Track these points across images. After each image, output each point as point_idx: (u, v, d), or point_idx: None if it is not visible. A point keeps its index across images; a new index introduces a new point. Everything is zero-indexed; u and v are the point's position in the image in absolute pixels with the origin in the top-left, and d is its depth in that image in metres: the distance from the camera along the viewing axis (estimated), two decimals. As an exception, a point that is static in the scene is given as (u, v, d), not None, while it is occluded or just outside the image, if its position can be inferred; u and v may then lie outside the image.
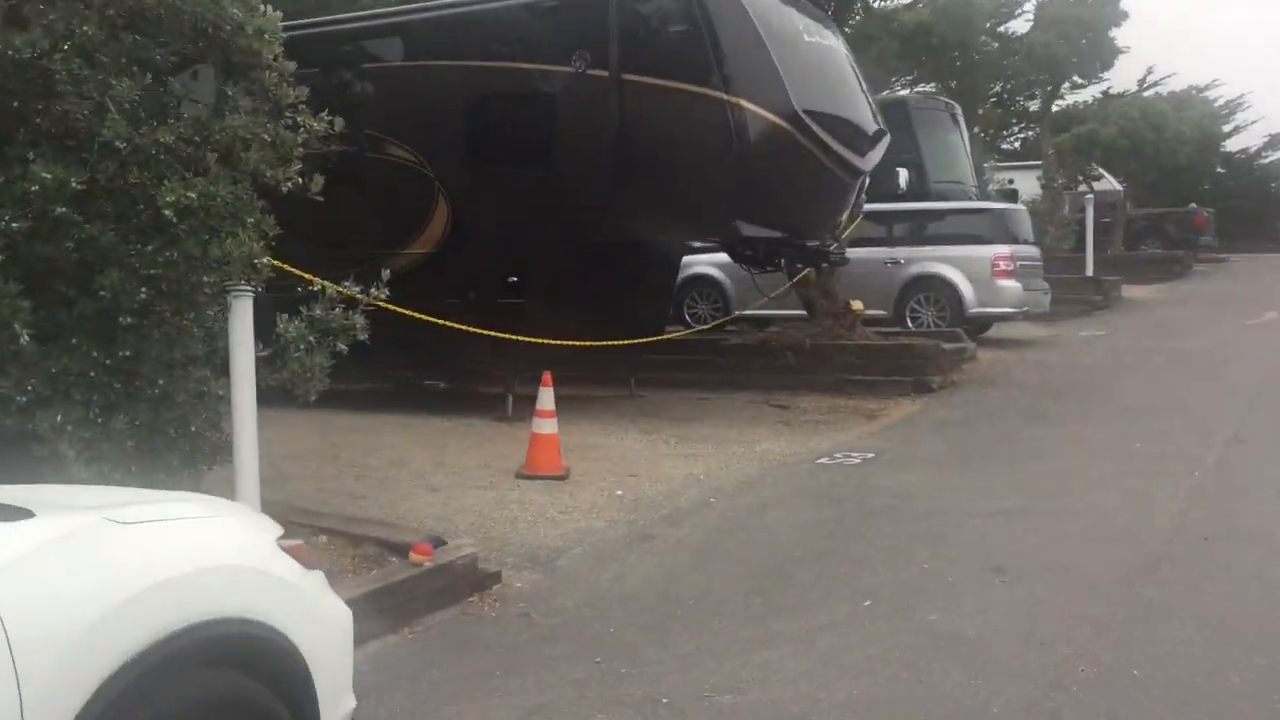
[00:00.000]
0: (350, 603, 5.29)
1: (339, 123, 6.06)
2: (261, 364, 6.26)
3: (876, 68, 30.10)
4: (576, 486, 8.02)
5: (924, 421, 10.85)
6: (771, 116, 9.59)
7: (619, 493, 7.85)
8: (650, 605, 5.63)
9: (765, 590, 5.74)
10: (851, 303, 13.72)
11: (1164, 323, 18.34)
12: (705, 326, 15.12)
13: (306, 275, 6.75)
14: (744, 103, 9.48)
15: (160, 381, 5.71)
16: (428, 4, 11.50)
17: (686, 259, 15.16)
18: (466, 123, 10.79)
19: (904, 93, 20.49)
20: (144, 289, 5.54)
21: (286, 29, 11.62)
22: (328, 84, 11.61)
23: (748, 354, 13.59)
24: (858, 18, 21.98)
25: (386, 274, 6.48)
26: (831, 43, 10.76)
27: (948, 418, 10.94)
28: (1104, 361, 14.40)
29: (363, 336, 6.45)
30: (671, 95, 9.77)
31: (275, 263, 6.28)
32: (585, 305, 11.18)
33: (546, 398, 8.37)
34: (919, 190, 18.03)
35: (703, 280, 16.53)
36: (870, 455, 9.02)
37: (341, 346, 6.35)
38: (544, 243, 10.46)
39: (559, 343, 9.98)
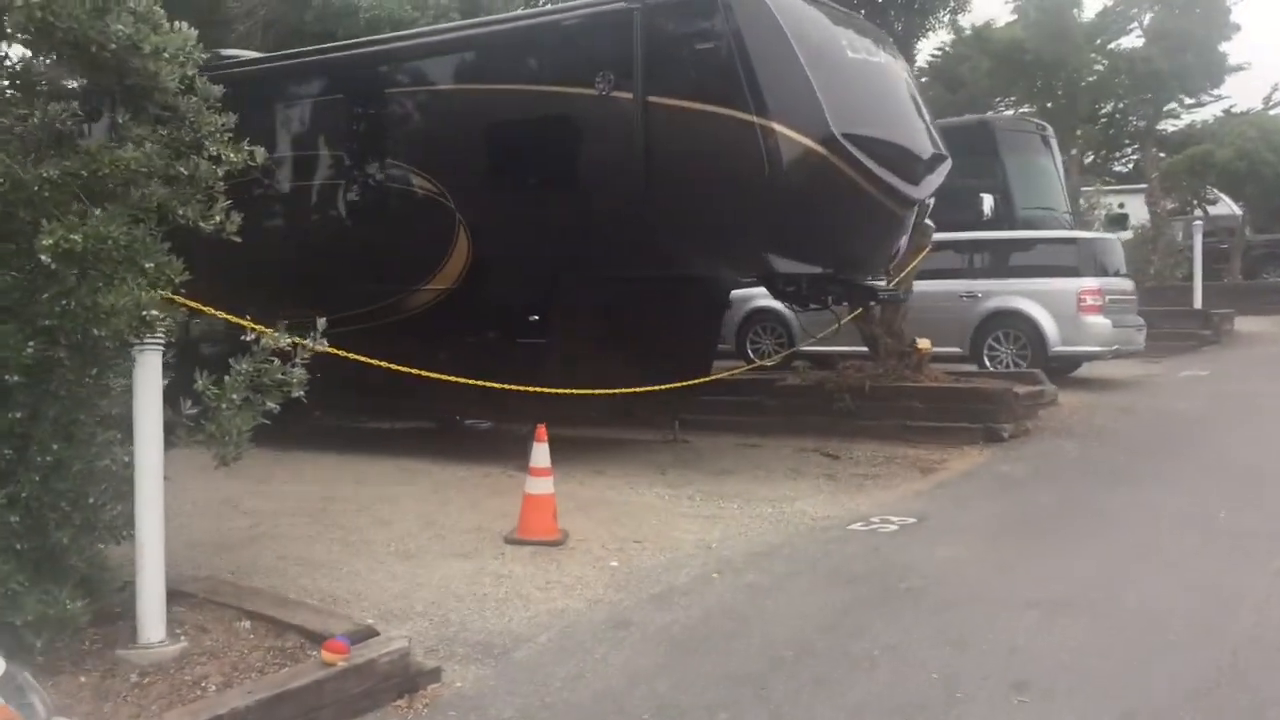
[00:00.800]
0: (240, 713, 4.64)
1: (260, 154, 5.35)
2: (183, 425, 5.61)
3: (971, 89, 28.96)
4: (568, 555, 7.19)
5: (984, 478, 9.76)
6: (806, 141, 8.68)
7: (613, 564, 6.99)
8: (599, 718, 4.77)
9: (736, 704, 4.83)
10: (918, 341, 12.65)
11: (1278, 360, 16.79)
12: (759, 364, 14.14)
13: (239, 320, 6.04)
14: (776, 126, 8.59)
15: (55, 447, 5.07)
16: (445, 26, 10.90)
17: (748, 292, 14.29)
18: (487, 150, 10.14)
19: (990, 115, 19.22)
20: (32, 342, 4.92)
21: (298, 54, 11.10)
22: (343, 112, 11.18)
23: (802, 396, 12.63)
24: (946, 35, 20.88)
25: (323, 323, 5.74)
26: (881, 59, 9.79)
27: (1011, 474, 9.83)
28: (1202, 409, 13.05)
29: (298, 393, 5.76)
30: (698, 118, 8.93)
31: (195, 306, 5.64)
32: (617, 344, 10.40)
33: (540, 454, 7.56)
34: (1005, 217, 16.89)
35: (765, 314, 15.59)
36: (911, 521, 8.01)
37: (271, 405, 5.67)
38: (566, 277, 9.71)
39: (574, 392, 9.21)
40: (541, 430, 7.59)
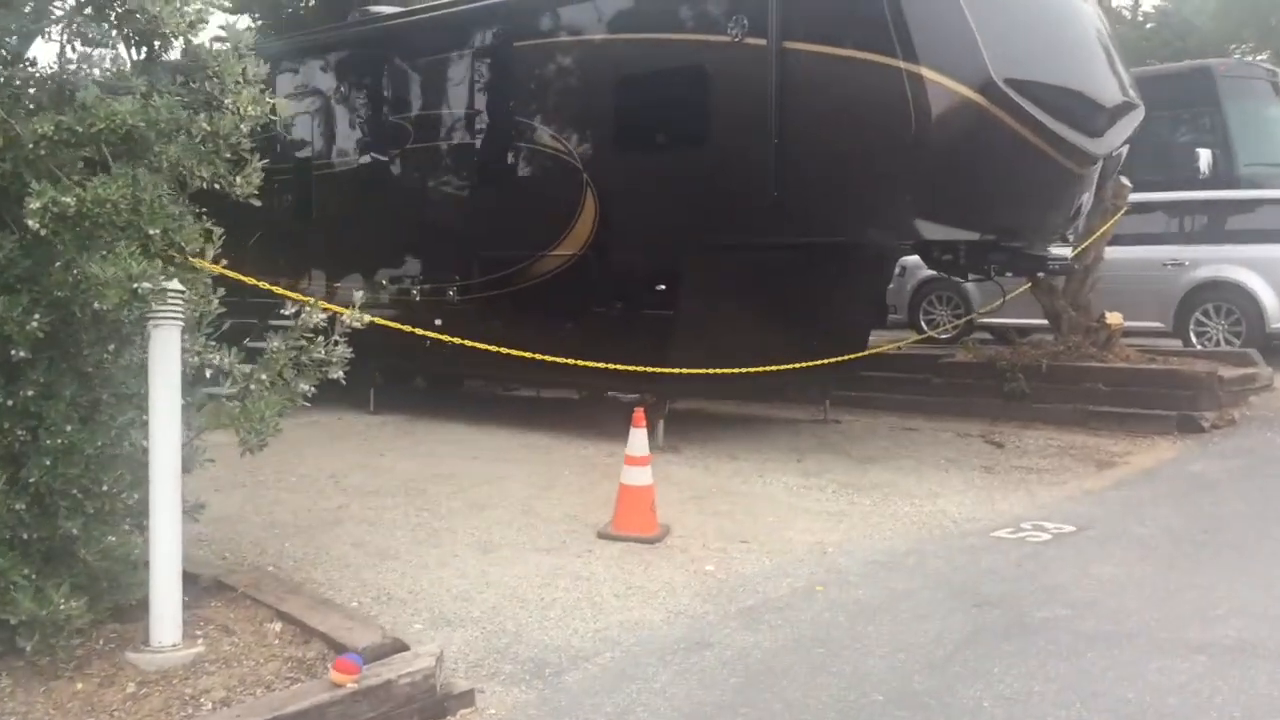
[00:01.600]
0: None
1: (284, 107, 4.77)
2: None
3: (1200, 36, 26.32)
4: (661, 554, 6.44)
5: (1170, 477, 8.46)
6: (960, 88, 7.60)
7: (709, 568, 6.20)
8: (631, 769, 4.04)
9: (796, 763, 4.00)
10: (1108, 315, 11.26)
11: None
12: (922, 337, 12.96)
13: (284, 292, 5.52)
14: (925, 71, 7.54)
15: (67, 429, 4.65)
16: None
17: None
18: (614, 105, 9.42)
19: (1212, 60, 17.15)
20: (37, 314, 4.50)
21: (418, 10, 10.47)
22: (465, 67, 10.66)
23: (971, 374, 11.47)
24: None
25: (360, 296, 5.16)
26: (1059, -5, 8.53)
27: (1204, 473, 8.50)
28: None
29: (337, 374, 5.21)
30: (836, 65, 7.97)
31: (224, 271, 5.14)
32: (757, 317, 9.54)
33: (637, 440, 6.81)
34: (1225, 175, 15.04)
35: (940, 282, 14.30)
36: (1069, 529, 6.89)
37: (306, 387, 5.13)
38: (695, 244, 8.90)
39: (696, 371, 8.45)
40: (640, 415, 6.84)
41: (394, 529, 6.87)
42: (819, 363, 9.39)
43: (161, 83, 4.66)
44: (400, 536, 6.70)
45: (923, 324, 14.44)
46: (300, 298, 5.30)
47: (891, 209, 7.92)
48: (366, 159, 11.70)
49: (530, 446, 9.69)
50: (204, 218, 4.86)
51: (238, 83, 4.63)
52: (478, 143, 10.55)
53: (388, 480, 8.17)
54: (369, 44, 12.03)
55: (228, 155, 4.74)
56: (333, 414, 11.75)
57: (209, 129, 4.68)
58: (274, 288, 5.65)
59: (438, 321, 10.79)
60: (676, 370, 8.62)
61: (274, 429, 4.98)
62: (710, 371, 8.77)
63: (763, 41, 8.27)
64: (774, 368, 9.14)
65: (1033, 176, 8.14)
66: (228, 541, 6.42)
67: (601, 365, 8.50)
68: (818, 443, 9.97)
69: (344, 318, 5.12)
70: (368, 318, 5.17)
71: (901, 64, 7.58)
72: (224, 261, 5.10)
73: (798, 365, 9.21)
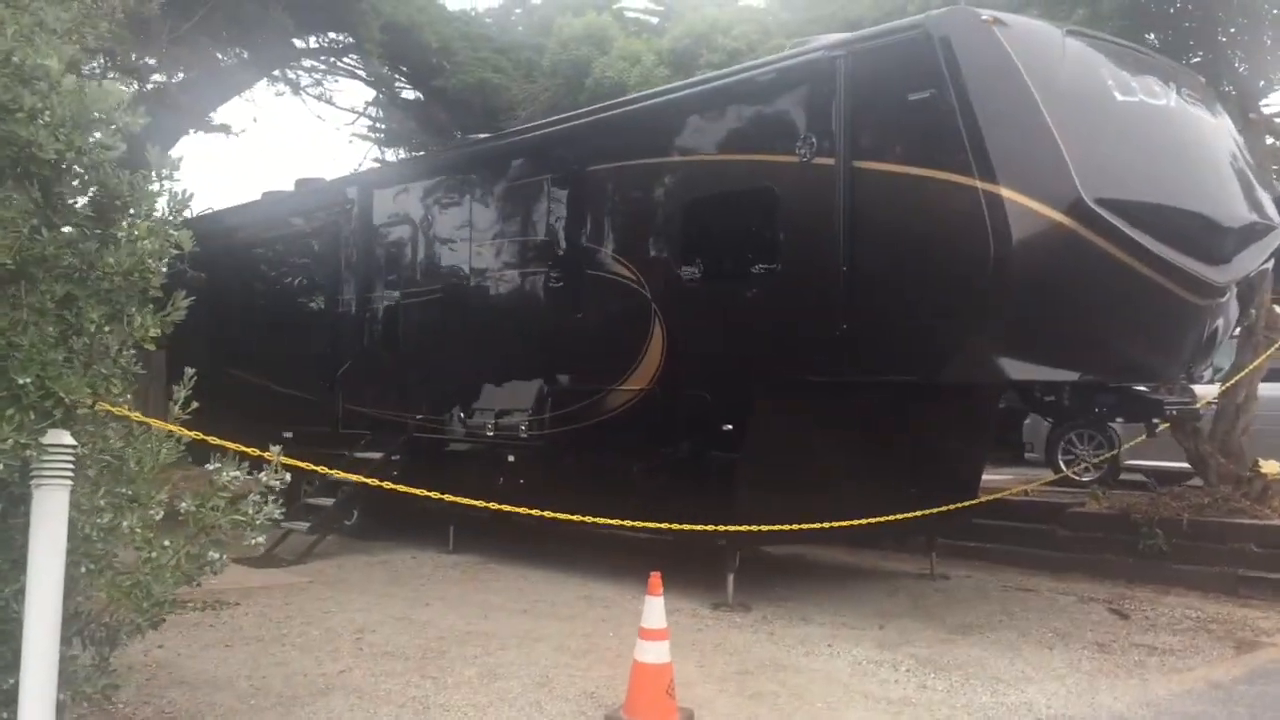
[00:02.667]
0: None
1: (187, 239, 4.25)
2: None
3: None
4: (670, 752, 5.50)
5: (1324, 667, 7.03)
6: (1045, 209, 6.64)
7: (718, 774, 5.24)
8: None
9: None
10: (1262, 463, 9.82)
11: None
12: (1026, 487, 11.61)
13: (212, 439, 4.95)
14: (1004, 191, 6.61)
15: (-55, 599, 4.14)
16: (643, 93, 9.71)
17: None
18: (682, 228, 8.76)
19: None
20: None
21: (488, 139, 10.01)
22: (529, 193, 10.27)
23: (1102, 526, 10.15)
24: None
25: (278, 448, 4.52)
26: (1170, 103, 7.48)
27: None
28: None
29: (258, 539, 4.58)
30: (909, 185, 7.13)
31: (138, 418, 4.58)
32: (837, 460, 8.63)
33: (653, 612, 5.91)
34: None
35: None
36: (1177, 739, 5.64)
37: (216, 556, 4.50)
38: (762, 380, 8.08)
39: (757, 529, 7.57)
40: (656, 580, 5.96)
41: (382, 704, 6.11)
42: (899, 517, 8.32)
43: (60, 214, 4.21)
44: (383, 714, 5.95)
45: (1061, 464, 13.06)
46: (238, 448, 4.73)
47: (970, 346, 6.92)
48: (436, 287, 11.44)
49: (591, 599, 8.87)
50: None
51: (133, 212, 4.15)
52: (545, 270, 10.03)
53: (414, 639, 7.47)
54: (428, 174, 11.99)
55: (128, 296, 4.22)
56: (408, 552, 11.26)
57: (113, 264, 4.20)
58: (207, 437, 5.05)
59: (510, 459, 10.26)
60: (735, 528, 7.72)
61: (167, 608, 4.35)
62: (770, 529, 7.85)
63: (831, 161, 7.51)
64: (850, 522, 8.15)
65: (1139, 308, 7.05)
66: (191, 714, 5.80)
67: (654, 525, 7.69)
68: (911, 604, 8.83)
69: (263, 476, 4.49)
70: (288, 476, 4.52)
71: (978, 183, 6.68)
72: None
73: (874, 520, 8.18)
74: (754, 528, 7.89)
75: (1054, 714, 6.07)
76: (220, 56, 16.17)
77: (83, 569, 4.31)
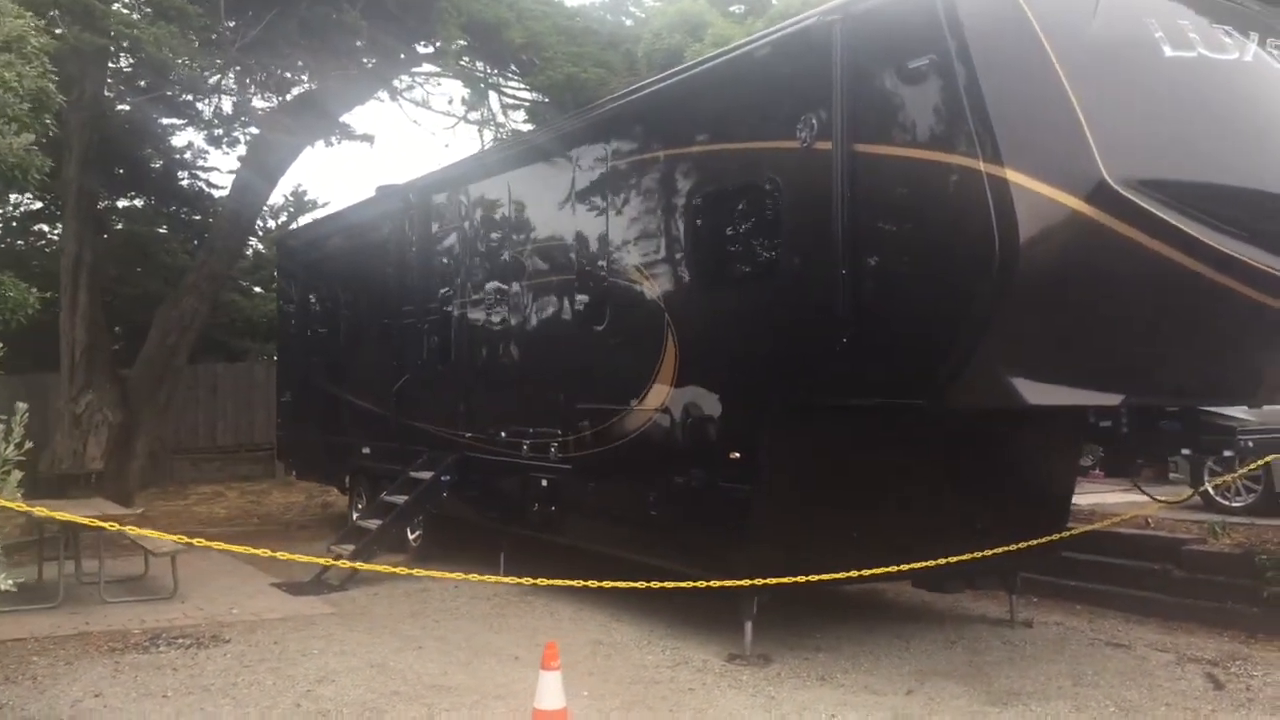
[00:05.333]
0: None
1: None
2: None
3: None
4: None
5: None
6: (1060, 195, 5.35)
7: None
8: None
9: None
10: None
11: None
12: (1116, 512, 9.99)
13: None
14: (1010, 174, 5.37)
15: None
16: (649, 79, 8.76)
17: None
18: (686, 227, 7.78)
19: None
20: None
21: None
22: (543, 193, 9.49)
23: (1223, 568, 8.56)
24: None
25: None
26: (1247, 56, 5.99)
27: None
28: None
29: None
30: (911, 171, 5.95)
31: None
32: (874, 492, 7.49)
33: (549, 688, 4.99)
34: None
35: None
36: None
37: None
38: (769, 402, 7.03)
39: (771, 581, 6.60)
40: (551, 650, 5.03)
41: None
42: (938, 562, 7.09)
43: None
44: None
45: (1208, 488, 11.28)
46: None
47: (976, 364, 5.67)
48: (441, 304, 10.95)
49: (597, 644, 7.99)
50: None
51: None
52: (542, 283, 9.28)
53: (367, 692, 6.75)
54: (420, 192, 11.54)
55: None
56: (457, 578, 10.63)
57: None
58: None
59: (544, 483, 9.51)
60: (747, 582, 6.76)
61: None
62: (787, 581, 6.80)
63: (828, 146, 6.40)
64: (882, 569, 7.01)
65: (1191, 314, 5.65)
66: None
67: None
68: (966, 660, 7.56)
69: None
70: None
71: (982, 166, 5.46)
72: None
73: (913, 566, 6.99)
74: (757, 581, 6.87)
75: (1055, 830, 4.84)
76: (347, 66, 16.05)
77: None
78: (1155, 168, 5.44)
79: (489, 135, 18.41)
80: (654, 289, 8.05)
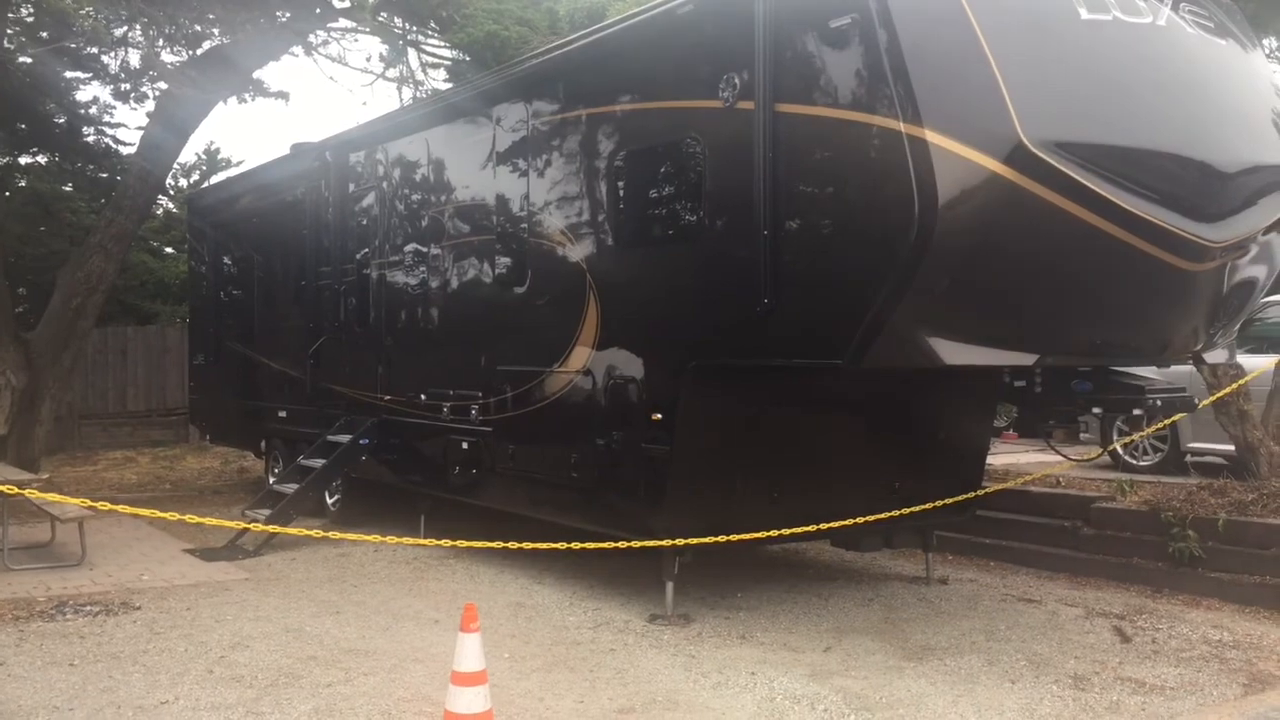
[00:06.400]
0: None
1: None
2: None
3: None
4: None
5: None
6: (978, 156, 5.39)
7: None
8: None
9: None
10: (1322, 451, 8.34)
11: None
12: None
13: None
14: (929, 135, 5.39)
15: None
16: (572, 37, 8.66)
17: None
18: (608, 188, 7.72)
19: None
20: None
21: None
22: (463, 153, 9.35)
23: (1130, 525, 8.79)
24: None
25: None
26: (1160, 21, 6.08)
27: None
28: None
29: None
30: (833, 131, 5.94)
31: None
32: (794, 452, 7.55)
33: (468, 651, 4.94)
34: None
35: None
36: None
37: None
38: (690, 360, 7.01)
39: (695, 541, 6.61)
40: (470, 611, 4.98)
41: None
42: (843, 523, 7.19)
43: None
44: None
45: (1117, 449, 11.57)
46: None
47: (896, 325, 5.71)
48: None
49: (518, 607, 7.96)
50: None
51: None
52: (463, 242, 9.18)
53: (283, 658, 6.65)
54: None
55: None
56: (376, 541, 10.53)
57: None
58: None
59: (464, 445, 9.41)
60: (668, 543, 6.77)
61: None
62: (708, 541, 6.84)
63: (751, 106, 6.36)
64: (794, 530, 7.07)
65: (1105, 276, 5.74)
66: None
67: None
68: (881, 617, 7.68)
69: None
70: None
71: (901, 126, 5.48)
72: None
73: (822, 527, 7.06)
74: (678, 541, 6.91)
75: (969, 780, 4.93)
76: (259, 19, 15.57)
77: None
78: (1071, 130, 5.49)
79: (408, 93, 18.06)
80: (576, 250, 7.99)
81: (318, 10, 16.08)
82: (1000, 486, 9.04)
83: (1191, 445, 11.16)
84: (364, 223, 11.08)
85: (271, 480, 12.44)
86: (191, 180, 25.59)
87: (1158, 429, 9.73)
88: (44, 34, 15.53)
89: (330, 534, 8.41)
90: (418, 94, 17.86)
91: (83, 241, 16.53)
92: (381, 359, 10.75)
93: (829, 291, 6.03)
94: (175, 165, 21.67)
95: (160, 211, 23.30)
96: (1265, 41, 9.20)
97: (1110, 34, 5.81)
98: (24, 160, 21.27)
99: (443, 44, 16.79)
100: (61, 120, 20.11)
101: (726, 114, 6.62)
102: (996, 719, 5.63)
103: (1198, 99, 6.07)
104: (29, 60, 16.93)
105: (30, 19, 15.71)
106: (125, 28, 16.14)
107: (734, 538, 7.08)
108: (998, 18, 5.56)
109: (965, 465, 8.42)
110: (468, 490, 9.54)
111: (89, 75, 18.74)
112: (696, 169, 6.93)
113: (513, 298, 8.67)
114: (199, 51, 17.05)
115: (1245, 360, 8.99)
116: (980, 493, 8.39)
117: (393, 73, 17.94)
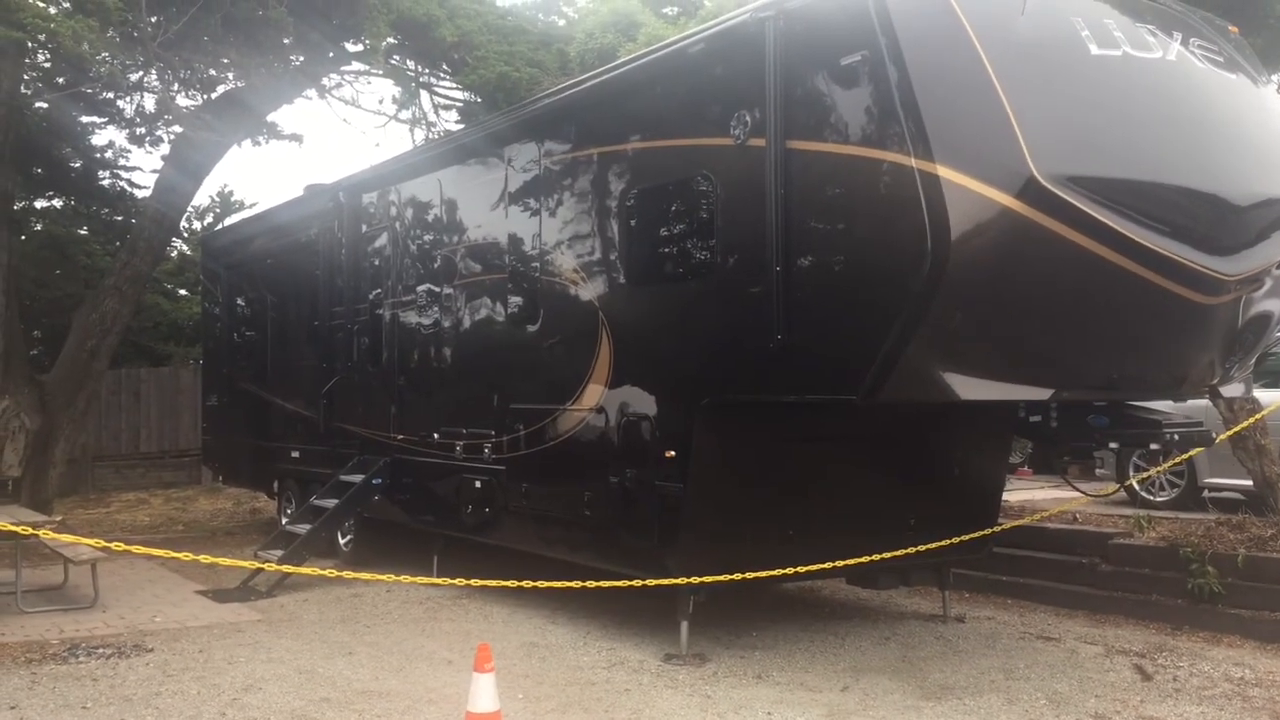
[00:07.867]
0: None
1: None
2: None
3: None
4: None
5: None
6: (990, 191, 5.40)
7: None
8: None
9: None
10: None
11: None
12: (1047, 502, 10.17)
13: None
14: (941, 170, 5.40)
15: None
16: (583, 76, 8.73)
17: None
18: (620, 226, 7.75)
19: None
20: None
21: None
22: (475, 193, 9.41)
23: (1148, 561, 8.70)
24: None
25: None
26: (1170, 56, 6.11)
27: None
28: None
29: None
30: (845, 167, 5.96)
31: None
32: (807, 491, 7.52)
33: (483, 691, 4.91)
34: None
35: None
36: None
37: None
38: (704, 398, 7.00)
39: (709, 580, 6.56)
40: (484, 652, 4.96)
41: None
42: (860, 561, 7.13)
43: None
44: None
45: (1134, 484, 11.50)
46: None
47: (911, 359, 5.69)
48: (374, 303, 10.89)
49: (531, 647, 7.91)
50: None
51: None
52: (476, 284, 9.21)
53: (295, 700, 6.61)
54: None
55: None
56: (390, 582, 10.48)
57: None
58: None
59: (478, 484, 9.39)
60: (683, 581, 6.74)
61: None
62: (723, 579, 6.80)
63: (763, 142, 6.39)
64: (810, 567, 7.02)
65: (1119, 310, 5.72)
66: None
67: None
68: (899, 656, 7.60)
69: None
70: None
71: (914, 162, 5.49)
72: None
73: (837, 565, 7.01)
74: (692, 580, 6.87)
75: (990, 822, 4.86)
76: (273, 63, 15.74)
77: None
78: (1083, 164, 5.50)
79: (420, 135, 18.19)
80: (589, 288, 8.01)
81: (331, 54, 16.27)
82: (1017, 523, 8.97)
83: (1208, 480, 11.12)
84: (377, 263, 11.13)
85: (284, 521, 12.41)
86: (205, 222, 25.78)
87: (1175, 464, 9.68)
88: (60, 79, 15.73)
89: (343, 574, 8.39)
90: (430, 135, 17.98)
91: (97, 284, 16.64)
92: (394, 398, 10.75)
93: (842, 327, 6.03)
94: (189, 208, 21.84)
95: (174, 253, 23.46)
96: (1275, 76, 9.18)
97: (1120, 69, 5.83)
98: (40, 204, 21.49)
99: (454, 85, 16.94)
100: (77, 164, 20.31)
101: (738, 151, 6.65)
102: (1017, 759, 5.57)
103: (1209, 133, 6.08)
104: (45, 105, 17.14)
105: (47, 64, 15.91)
106: (141, 73, 16.32)
107: (749, 575, 7.03)
108: (1008, 54, 5.59)
109: (981, 501, 8.35)
110: (481, 529, 9.49)
111: (104, 120, 18.97)
112: (708, 206, 6.95)
113: (525, 336, 8.68)
114: (213, 95, 17.22)
115: (1261, 395, 8.95)
116: (996, 529, 8.32)
117: (405, 114, 18.09)
